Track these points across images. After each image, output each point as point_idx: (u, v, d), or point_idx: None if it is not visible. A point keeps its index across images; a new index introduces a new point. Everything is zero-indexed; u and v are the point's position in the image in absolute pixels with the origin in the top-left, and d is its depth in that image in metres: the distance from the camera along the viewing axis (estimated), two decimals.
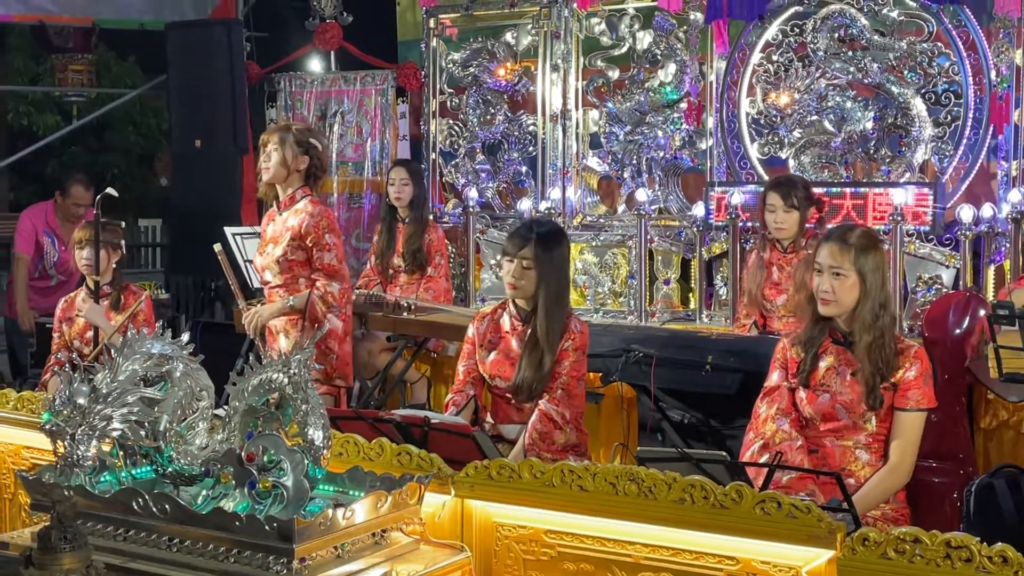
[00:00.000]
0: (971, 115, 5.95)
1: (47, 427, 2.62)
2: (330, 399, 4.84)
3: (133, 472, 2.76)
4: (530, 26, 7.29)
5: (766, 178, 6.33)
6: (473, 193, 7.02)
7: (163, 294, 7.68)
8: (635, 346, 4.84)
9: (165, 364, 2.74)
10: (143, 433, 2.68)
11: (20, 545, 2.56)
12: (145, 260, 14.12)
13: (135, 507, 2.54)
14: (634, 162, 6.98)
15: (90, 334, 5.29)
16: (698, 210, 6.35)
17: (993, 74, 5.88)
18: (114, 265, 5.35)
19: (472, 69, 7.47)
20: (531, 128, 7.33)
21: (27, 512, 3.21)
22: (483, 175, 7.47)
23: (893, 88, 6.12)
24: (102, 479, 2.74)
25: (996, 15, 5.81)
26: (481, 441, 3.34)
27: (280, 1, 9.80)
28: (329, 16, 8.03)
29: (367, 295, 6.13)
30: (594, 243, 6.99)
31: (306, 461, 2.61)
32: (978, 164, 5.96)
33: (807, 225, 5.18)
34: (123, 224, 5.56)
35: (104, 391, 2.62)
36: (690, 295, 6.67)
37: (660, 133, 6.89)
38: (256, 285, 6.02)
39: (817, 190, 5.40)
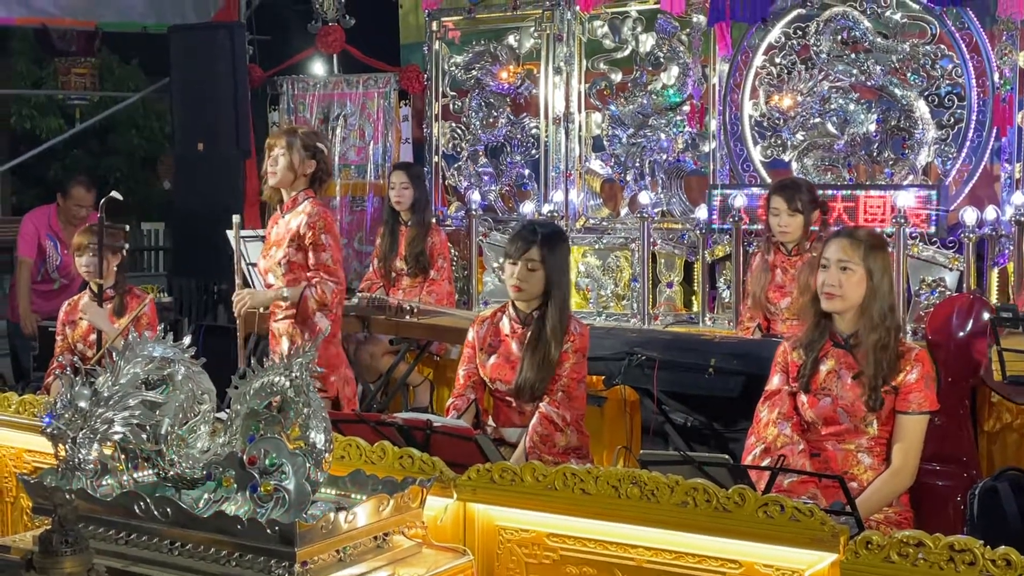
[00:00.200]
0: (974, 117, 5.95)
1: (48, 431, 2.62)
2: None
3: (135, 476, 2.76)
4: (532, 29, 7.29)
5: (769, 181, 6.33)
6: (476, 196, 7.02)
7: (166, 297, 7.70)
8: (638, 349, 4.83)
9: (167, 367, 2.73)
10: (144, 437, 2.68)
11: (21, 549, 2.55)
12: (148, 263, 14.11)
13: (136, 511, 2.54)
14: (637, 165, 6.98)
15: (93, 337, 5.30)
16: (701, 213, 6.35)
17: (996, 76, 5.87)
18: (115, 268, 5.35)
19: (475, 72, 7.47)
20: (534, 131, 7.33)
21: (29, 516, 3.22)
22: (486, 178, 7.47)
23: (896, 90, 6.11)
24: (103, 482, 2.73)
25: (999, 17, 5.80)
26: (483, 444, 3.34)
27: (283, 4, 9.80)
28: (331, 19, 8.04)
29: (370, 298, 6.13)
30: (597, 246, 6.99)
31: (308, 464, 2.60)
32: (981, 166, 5.95)
33: (811, 228, 5.18)
34: (127, 227, 5.57)
35: (105, 394, 2.62)
36: (693, 298, 6.67)
37: (663, 136, 6.88)
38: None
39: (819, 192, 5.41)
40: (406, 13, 8.28)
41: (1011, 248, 5.60)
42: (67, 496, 2.53)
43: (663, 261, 6.80)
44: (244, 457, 2.62)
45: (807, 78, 6.37)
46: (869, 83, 6.20)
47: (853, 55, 6.23)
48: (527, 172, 7.37)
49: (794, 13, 6.41)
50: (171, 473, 2.72)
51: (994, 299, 5.62)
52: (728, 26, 6.47)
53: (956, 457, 4.06)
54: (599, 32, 7.10)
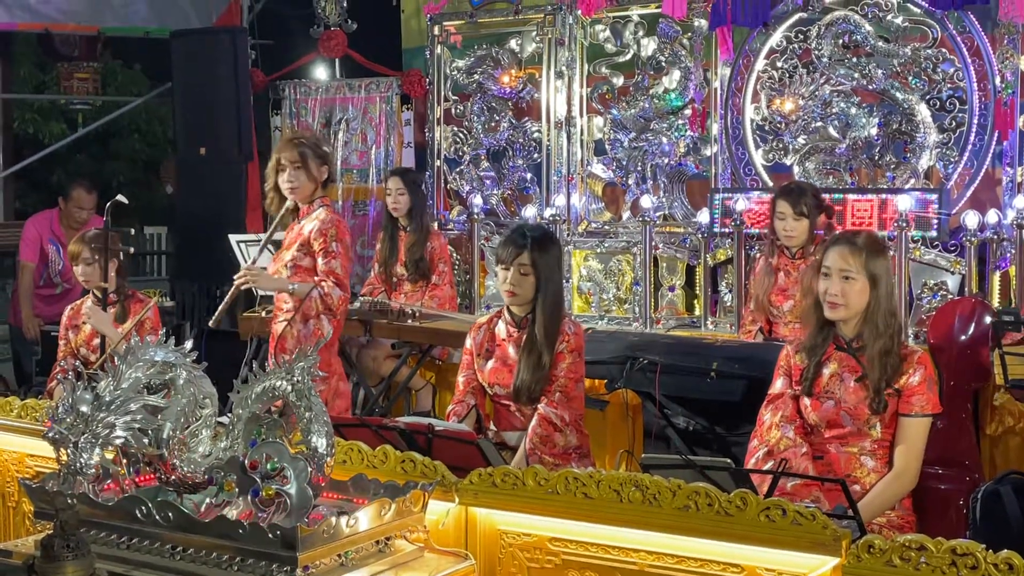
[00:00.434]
0: (976, 121, 5.95)
1: (50, 435, 2.62)
2: None
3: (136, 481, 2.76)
4: (534, 33, 7.29)
5: (771, 184, 6.34)
6: (478, 200, 7.02)
7: (168, 302, 7.70)
8: (640, 353, 4.83)
9: (168, 372, 2.73)
10: (146, 441, 2.68)
11: (23, 553, 2.56)
12: (150, 268, 14.11)
13: (138, 515, 2.54)
14: (639, 169, 6.98)
15: (96, 341, 5.29)
16: (703, 217, 6.35)
17: (998, 80, 5.87)
18: (114, 273, 5.33)
19: (476, 76, 7.47)
20: (535, 135, 7.33)
21: (31, 520, 3.22)
22: (488, 182, 7.47)
23: (897, 94, 6.11)
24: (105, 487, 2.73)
25: (1000, 21, 5.80)
26: (485, 448, 3.34)
27: (285, 9, 9.80)
28: (334, 24, 8.04)
29: (372, 302, 6.13)
30: (599, 250, 6.99)
31: (310, 469, 2.60)
32: (983, 170, 5.96)
33: (816, 232, 5.19)
34: (131, 231, 5.57)
35: (107, 399, 2.62)
36: (695, 302, 6.67)
37: (664, 140, 6.89)
38: (262, 292, 6.02)
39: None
40: (408, 17, 8.29)
41: (1013, 252, 5.60)
42: (69, 501, 2.53)
43: (665, 265, 6.80)
44: (246, 461, 2.62)
45: (808, 82, 6.37)
46: (870, 87, 6.20)
47: (854, 59, 6.23)
48: (529, 176, 7.37)
49: (795, 17, 6.41)
50: (172, 477, 2.72)
51: (996, 303, 5.61)
52: (730, 30, 6.48)
53: (958, 461, 4.06)
54: (601, 36, 7.10)
